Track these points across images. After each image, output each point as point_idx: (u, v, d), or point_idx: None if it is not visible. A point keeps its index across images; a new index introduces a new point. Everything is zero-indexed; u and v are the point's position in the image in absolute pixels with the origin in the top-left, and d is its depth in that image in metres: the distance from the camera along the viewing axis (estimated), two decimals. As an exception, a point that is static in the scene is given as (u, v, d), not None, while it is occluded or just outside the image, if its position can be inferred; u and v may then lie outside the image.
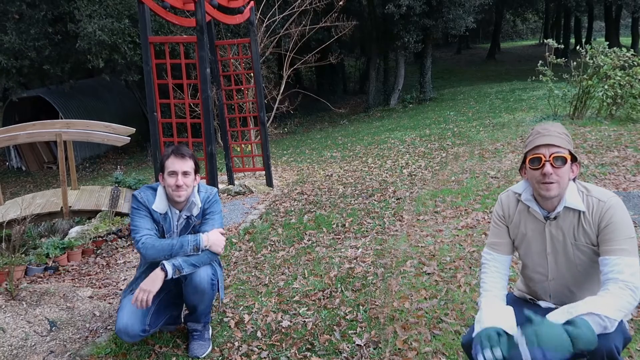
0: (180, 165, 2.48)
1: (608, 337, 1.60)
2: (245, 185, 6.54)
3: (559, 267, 1.90)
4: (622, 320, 1.75)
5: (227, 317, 3.03)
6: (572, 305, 1.66)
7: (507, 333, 1.67)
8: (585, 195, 1.83)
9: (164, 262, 2.42)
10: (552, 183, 1.77)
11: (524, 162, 1.86)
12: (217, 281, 2.64)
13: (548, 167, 1.76)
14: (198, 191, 2.64)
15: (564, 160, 1.75)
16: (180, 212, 2.61)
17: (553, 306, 1.93)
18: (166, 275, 2.40)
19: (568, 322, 1.55)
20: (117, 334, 2.48)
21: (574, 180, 1.86)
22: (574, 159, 1.80)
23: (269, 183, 6.76)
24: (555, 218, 1.86)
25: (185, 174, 2.49)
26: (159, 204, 2.57)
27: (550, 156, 1.75)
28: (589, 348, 1.51)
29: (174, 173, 2.48)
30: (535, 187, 1.85)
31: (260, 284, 3.54)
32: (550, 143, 1.76)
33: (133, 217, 2.56)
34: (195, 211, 2.60)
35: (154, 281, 2.39)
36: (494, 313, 1.77)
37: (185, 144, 6.76)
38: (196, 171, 2.58)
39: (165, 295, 2.65)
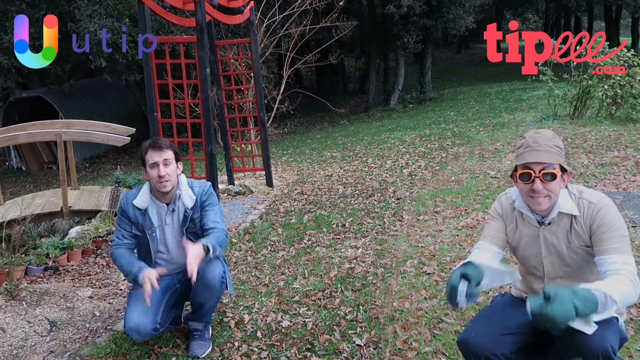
0: (158, 156, 2.50)
1: (603, 336, 1.60)
2: (245, 185, 6.54)
3: (555, 270, 1.92)
4: (618, 320, 1.76)
5: (227, 317, 3.03)
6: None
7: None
8: (577, 199, 1.84)
9: (205, 242, 2.39)
10: (542, 197, 1.80)
11: (515, 169, 1.87)
12: (226, 278, 2.67)
13: (538, 184, 1.78)
14: (192, 186, 2.66)
15: (553, 176, 1.77)
16: (167, 205, 2.63)
17: None
18: (207, 253, 2.37)
19: (579, 293, 1.51)
20: (127, 332, 2.46)
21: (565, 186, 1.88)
22: (564, 169, 1.82)
23: (269, 183, 6.76)
24: (549, 223, 1.88)
25: (165, 162, 2.51)
26: (140, 200, 2.61)
27: (540, 172, 1.77)
28: (590, 312, 1.50)
29: (155, 165, 2.50)
30: (525, 199, 1.88)
31: (260, 284, 3.54)
32: (540, 161, 1.77)
33: (116, 222, 2.69)
34: (189, 203, 2.62)
35: (201, 252, 2.35)
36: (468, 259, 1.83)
37: (185, 144, 6.76)
38: (177, 160, 2.60)
39: (171, 294, 2.67)
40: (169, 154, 2.53)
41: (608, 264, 1.72)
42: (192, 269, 2.24)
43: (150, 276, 2.32)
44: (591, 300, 1.51)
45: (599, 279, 1.79)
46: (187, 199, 2.62)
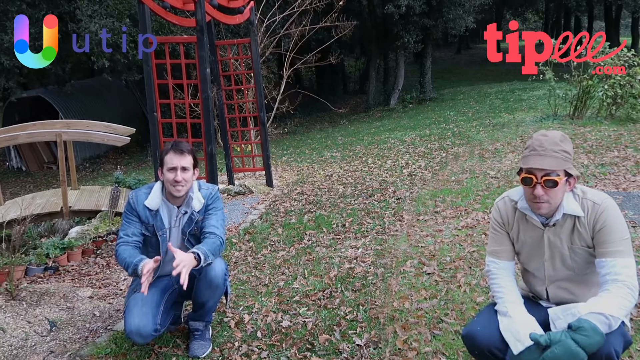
0: (179, 160, 2.50)
1: (607, 340, 1.60)
2: (245, 185, 6.54)
3: (557, 272, 1.92)
4: (622, 323, 1.74)
5: (227, 317, 3.03)
6: (574, 305, 1.66)
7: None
8: (581, 199, 1.84)
9: (196, 250, 2.38)
10: (542, 203, 1.79)
11: (520, 171, 1.86)
12: (227, 276, 2.67)
13: (539, 190, 1.77)
14: (200, 188, 2.67)
15: (555, 183, 1.75)
16: (178, 207, 2.62)
17: (553, 306, 1.94)
18: (198, 263, 2.35)
19: (575, 328, 1.55)
20: (128, 336, 2.45)
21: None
22: (570, 174, 1.80)
23: (269, 183, 6.76)
24: (554, 225, 1.87)
25: (184, 169, 2.52)
26: (152, 201, 2.59)
27: (541, 178, 1.75)
28: (598, 347, 1.53)
29: (173, 169, 2.50)
30: (527, 201, 1.87)
31: (260, 284, 3.54)
32: (542, 167, 1.74)
33: (122, 219, 2.64)
34: (197, 206, 2.62)
35: (192, 261, 2.33)
36: (528, 323, 1.78)
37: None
38: (194, 166, 2.61)
39: (169, 295, 2.66)
40: (189, 161, 2.54)
41: (609, 267, 1.72)
42: (179, 270, 2.21)
43: (147, 266, 2.31)
44: (597, 342, 1.52)
45: (599, 283, 1.80)
46: (197, 202, 2.62)
